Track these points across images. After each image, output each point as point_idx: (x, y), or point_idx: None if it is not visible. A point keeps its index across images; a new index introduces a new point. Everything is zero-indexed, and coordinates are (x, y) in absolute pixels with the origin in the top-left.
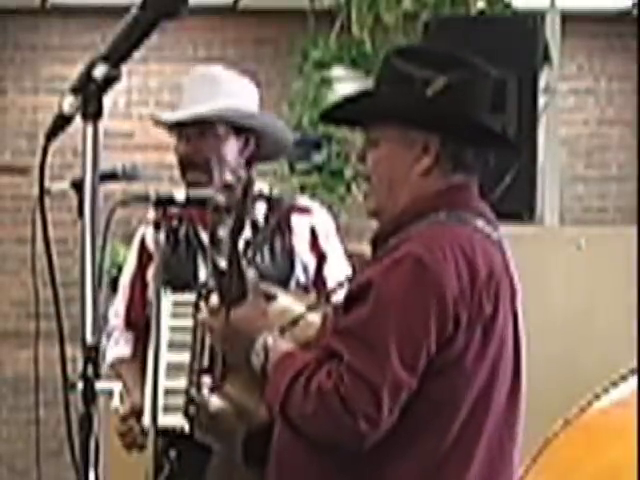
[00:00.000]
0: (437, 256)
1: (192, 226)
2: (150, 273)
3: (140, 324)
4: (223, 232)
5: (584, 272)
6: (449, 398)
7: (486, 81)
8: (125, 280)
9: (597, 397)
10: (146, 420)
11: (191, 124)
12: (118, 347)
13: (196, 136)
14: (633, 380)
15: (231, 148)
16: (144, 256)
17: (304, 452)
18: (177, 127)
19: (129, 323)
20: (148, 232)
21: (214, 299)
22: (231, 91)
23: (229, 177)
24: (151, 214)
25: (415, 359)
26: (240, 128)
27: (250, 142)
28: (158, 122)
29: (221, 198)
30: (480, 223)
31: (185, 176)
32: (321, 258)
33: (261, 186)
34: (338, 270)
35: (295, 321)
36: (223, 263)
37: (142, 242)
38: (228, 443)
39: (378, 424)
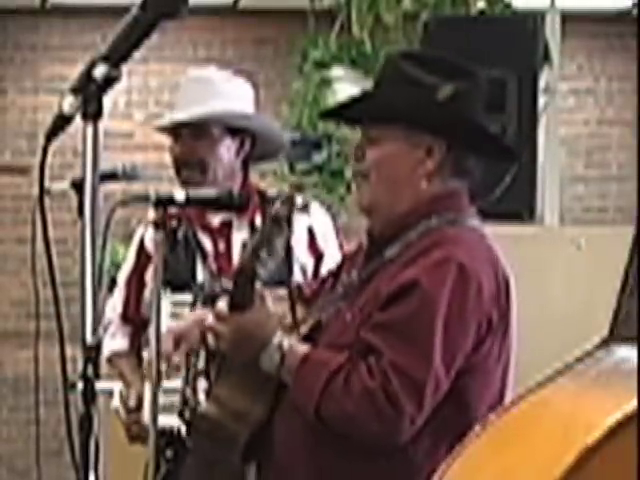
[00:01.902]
0: (476, 262)
1: (191, 227)
2: (149, 274)
3: (136, 321)
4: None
5: (584, 272)
6: (472, 398)
7: (484, 90)
8: (122, 278)
9: (522, 398)
10: (145, 417)
11: (185, 126)
12: (115, 341)
13: (191, 137)
14: (562, 380)
15: (226, 149)
16: (142, 256)
17: (330, 452)
18: (172, 128)
19: (126, 318)
20: (147, 233)
21: (220, 305)
22: (225, 92)
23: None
24: (151, 214)
25: (453, 360)
26: (235, 129)
27: (245, 143)
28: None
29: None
30: (476, 223)
31: (179, 175)
32: (319, 258)
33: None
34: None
35: (296, 323)
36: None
37: (141, 243)
38: (228, 446)
39: (416, 421)
